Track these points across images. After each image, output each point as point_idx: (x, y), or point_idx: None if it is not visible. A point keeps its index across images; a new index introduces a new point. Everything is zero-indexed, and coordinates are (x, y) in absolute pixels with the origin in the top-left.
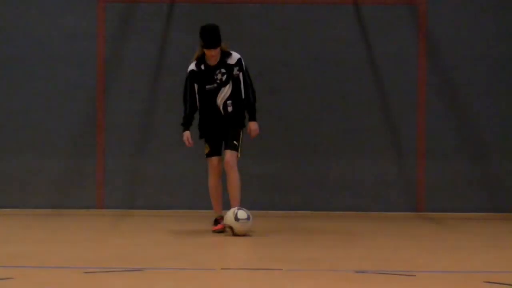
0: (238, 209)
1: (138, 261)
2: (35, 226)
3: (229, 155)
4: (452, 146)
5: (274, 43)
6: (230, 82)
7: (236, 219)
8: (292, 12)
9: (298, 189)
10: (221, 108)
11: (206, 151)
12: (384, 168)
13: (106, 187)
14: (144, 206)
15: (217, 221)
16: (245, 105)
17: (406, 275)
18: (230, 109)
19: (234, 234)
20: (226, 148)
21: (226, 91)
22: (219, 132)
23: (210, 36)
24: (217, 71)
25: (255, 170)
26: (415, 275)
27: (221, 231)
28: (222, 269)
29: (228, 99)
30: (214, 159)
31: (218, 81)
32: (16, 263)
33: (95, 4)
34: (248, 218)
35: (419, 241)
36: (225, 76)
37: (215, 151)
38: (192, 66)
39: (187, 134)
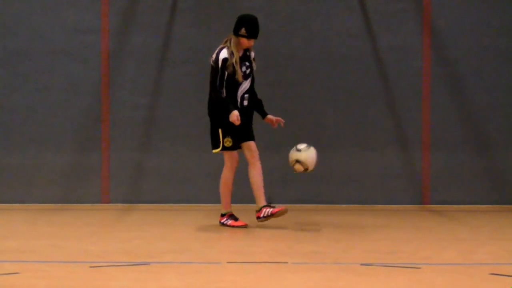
0: (296, 144)
1: (143, 255)
2: (40, 221)
3: (255, 145)
4: (457, 139)
5: (278, 36)
6: (251, 76)
7: (298, 149)
8: (296, 5)
9: (302, 183)
10: (239, 100)
11: (229, 144)
12: (388, 160)
13: (111, 181)
14: (149, 200)
15: (234, 217)
16: (257, 101)
17: (411, 267)
18: (245, 103)
19: (304, 169)
20: (250, 139)
21: (246, 84)
22: (240, 125)
23: (255, 25)
24: (242, 64)
25: (261, 163)
26: (420, 268)
27: (245, 226)
28: (227, 262)
29: (246, 92)
30: (236, 153)
31: (243, 73)
32: (21, 258)
33: None
34: (308, 146)
35: (424, 234)
36: (248, 69)
37: (237, 145)
38: (225, 54)
39: (237, 112)
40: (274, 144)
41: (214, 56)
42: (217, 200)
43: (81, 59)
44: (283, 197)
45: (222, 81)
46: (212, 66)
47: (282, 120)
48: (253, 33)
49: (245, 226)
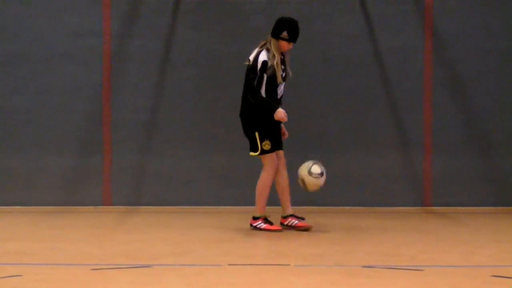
0: (314, 163)
1: (145, 257)
2: (42, 223)
3: (283, 153)
4: (458, 140)
5: None
6: (285, 80)
7: (310, 172)
8: (297, 7)
9: None
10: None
11: (268, 147)
12: (390, 162)
13: (113, 184)
14: (150, 203)
15: (269, 221)
16: None
17: (413, 269)
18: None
19: (305, 189)
20: (282, 147)
21: (282, 88)
22: (277, 128)
23: (297, 29)
24: (281, 66)
25: (262, 166)
26: (422, 270)
27: (279, 231)
28: (229, 265)
29: (281, 96)
30: (275, 155)
31: (282, 77)
32: (23, 260)
33: (100, 1)
34: (321, 174)
35: (426, 236)
36: (284, 73)
37: (276, 147)
38: (264, 57)
39: (282, 109)
40: None
41: (252, 58)
42: (218, 202)
43: (82, 62)
44: None
45: (260, 83)
46: (249, 69)
47: (287, 135)
48: (294, 37)
49: (279, 231)
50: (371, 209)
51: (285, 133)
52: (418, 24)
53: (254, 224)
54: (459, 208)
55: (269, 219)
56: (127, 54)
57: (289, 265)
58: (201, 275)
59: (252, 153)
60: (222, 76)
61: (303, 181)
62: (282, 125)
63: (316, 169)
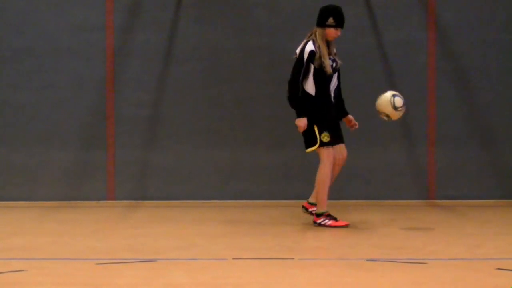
0: (394, 95)
1: (150, 251)
2: (46, 218)
3: (345, 149)
4: (462, 133)
5: (282, 32)
6: (338, 72)
7: (395, 107)
8: (300, 1)
9: (308, 178)
10: (332, 96)
11: (327, 139)
12: (394, 156)
13: (117, 178)
14: (154, 197)
15: (333, 217)
16: (340, 99)
17: (417, 262)
18: (333, 100)
19: (389, 120)
20: (343, 141)
21: (335, 80)
22: (335, 121)
23: (341, 14)
24: (330, 57)
25: (266, 159)
26: (426, 263)
27: (347, 226)
28: (233, 259)
29: (336, 88)
30: (332, 149)
31: (332, 67)
32: (27, 255)
33: None
34: (404, 105)
35: (430, 229)
36: (335, 63)
37: (334, 141)
38: (311, 47)
39: (306, 121)
40: (279, 140)
41: (299, 50)
42: (221, 196)
43: (86, 56)
44: (289, 193)
45: (306, 74)
46: (296, 60)
47: (357, 125)
48: (341, 21)
49: (347, 226)
50: (375, 203)
51: (356, 123)
52: (421, 17)
53: (318, 221)
54: (464, 201)
55: (331, 214)
56: (130, 48)
57: (293, 258)
58: (206, 269)
59: (309, 149)
60: (225, 70)
61: (387, 116)
62: (350, 116)
63: (399, 101)
